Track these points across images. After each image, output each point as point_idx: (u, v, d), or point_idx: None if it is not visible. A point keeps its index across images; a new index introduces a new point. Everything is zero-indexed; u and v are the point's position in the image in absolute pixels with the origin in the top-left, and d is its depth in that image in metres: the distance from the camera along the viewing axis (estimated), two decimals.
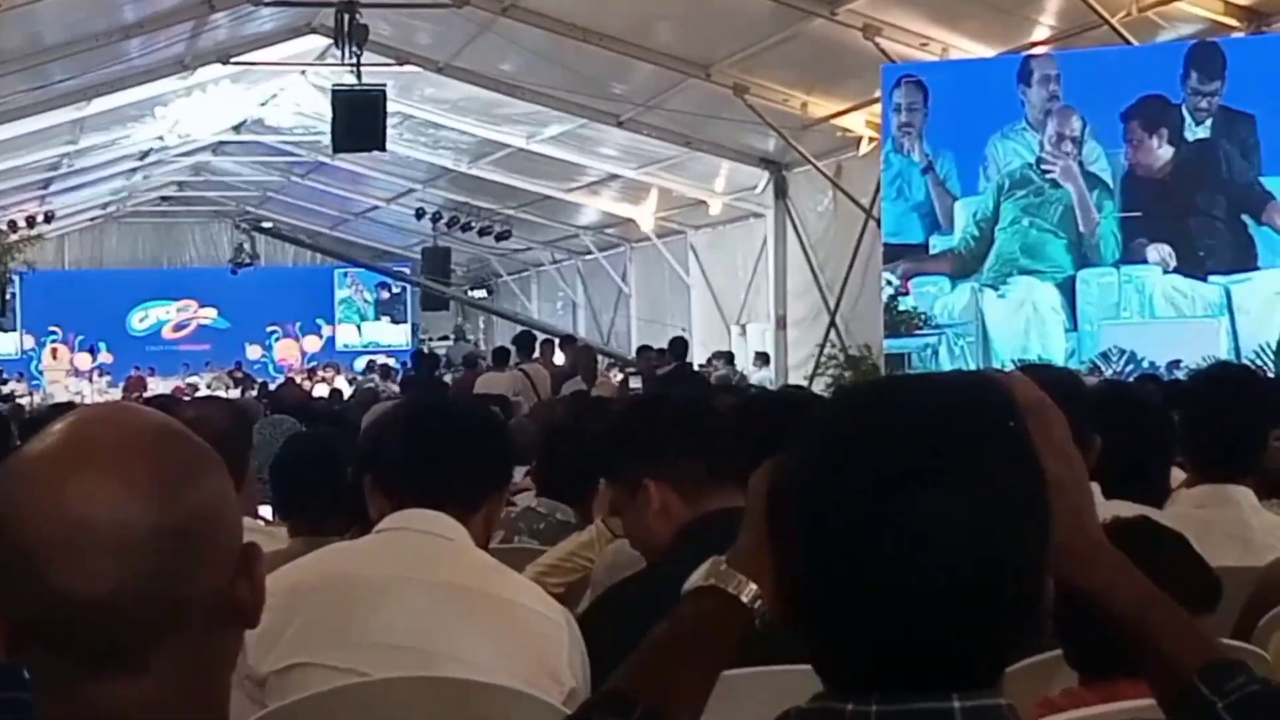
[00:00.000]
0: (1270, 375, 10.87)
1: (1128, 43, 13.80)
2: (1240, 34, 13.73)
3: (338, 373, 30.94)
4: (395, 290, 38.08)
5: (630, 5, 17.37)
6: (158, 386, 27.74)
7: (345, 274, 38.26)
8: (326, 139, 22.31)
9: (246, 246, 32.62)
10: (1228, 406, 4.62)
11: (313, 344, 37.97)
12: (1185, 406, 4.75)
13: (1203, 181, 13.95)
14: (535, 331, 21.01)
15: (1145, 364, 13.38)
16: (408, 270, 35.59)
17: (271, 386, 26.47)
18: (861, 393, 1.83)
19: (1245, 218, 13.62)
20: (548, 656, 3.13)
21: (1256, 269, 13.56)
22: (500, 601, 3.18)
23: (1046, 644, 2.90)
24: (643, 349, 21.44)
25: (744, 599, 1.85)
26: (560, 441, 6.32)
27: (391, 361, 31.01)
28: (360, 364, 33.09)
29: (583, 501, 5.78)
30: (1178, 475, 4.79)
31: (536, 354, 18.63)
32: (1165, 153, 14.04)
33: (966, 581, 1.57)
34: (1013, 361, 12.92)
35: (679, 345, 18.89)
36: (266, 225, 34.05)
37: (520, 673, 3.06)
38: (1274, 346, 12.70)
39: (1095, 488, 3.87)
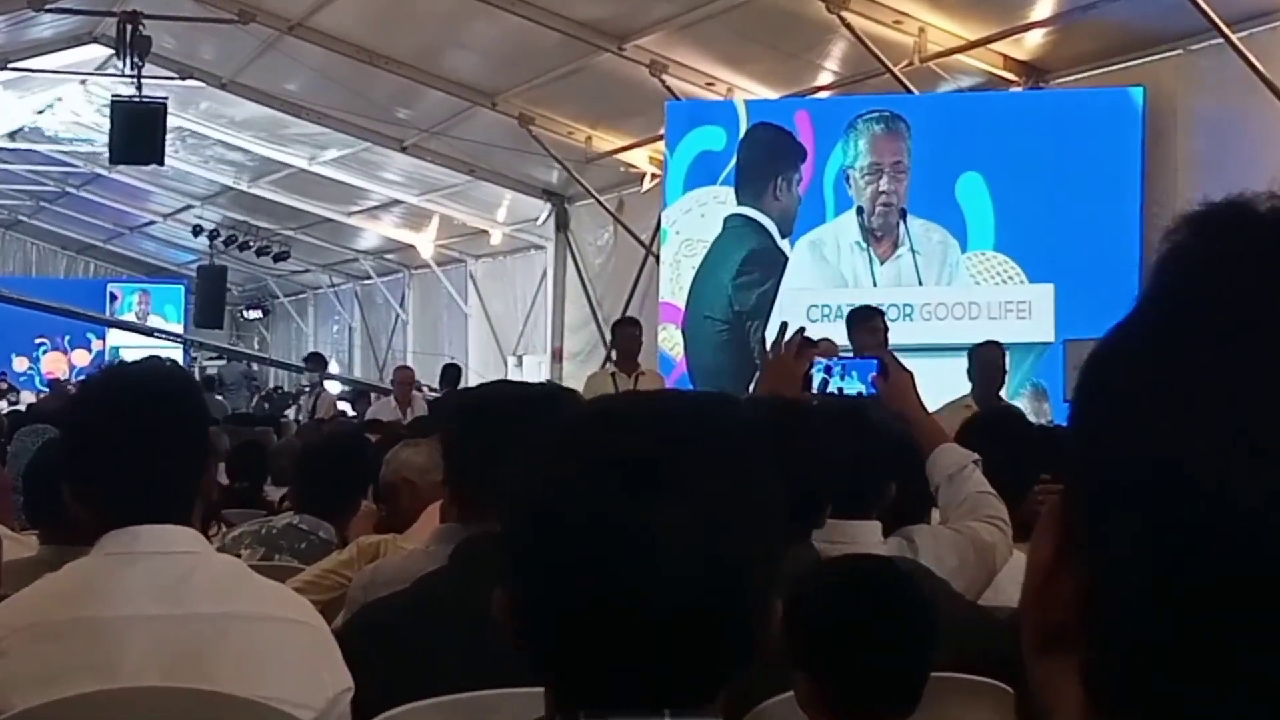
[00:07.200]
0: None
1: (909, 91, 14.02)
2: (1019, 88, 14.01)
3: None
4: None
5: (418, 31, 17.30)
6: None
7: (133, 292, 37.58)
8: (105, 150, 21.92)
9: None
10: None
11: (82, 358, 37.21)
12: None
13: None
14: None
15: None
16: (183, 285, 35.23)
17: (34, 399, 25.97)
18: (595, 404, 1.78)
19: None
20: (304, 666, 3.04)
21: None
22: (252, 621, 3.02)
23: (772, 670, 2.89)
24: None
25: None
26: (315, 459, 6.28)
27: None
28: None
29: (341, 518, 5.74)
30: None
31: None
32: None
33: (691, 594, 1.53)
34: None
35: (452, 372, 18.89)
36: None
37: (276, 690, 2.99)
38: None
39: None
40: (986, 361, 10.42)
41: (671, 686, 1.56)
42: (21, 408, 20.60)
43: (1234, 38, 11.32)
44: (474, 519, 3.45)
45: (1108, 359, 0.89)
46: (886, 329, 10.56)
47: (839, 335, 10.49)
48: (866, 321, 10.56)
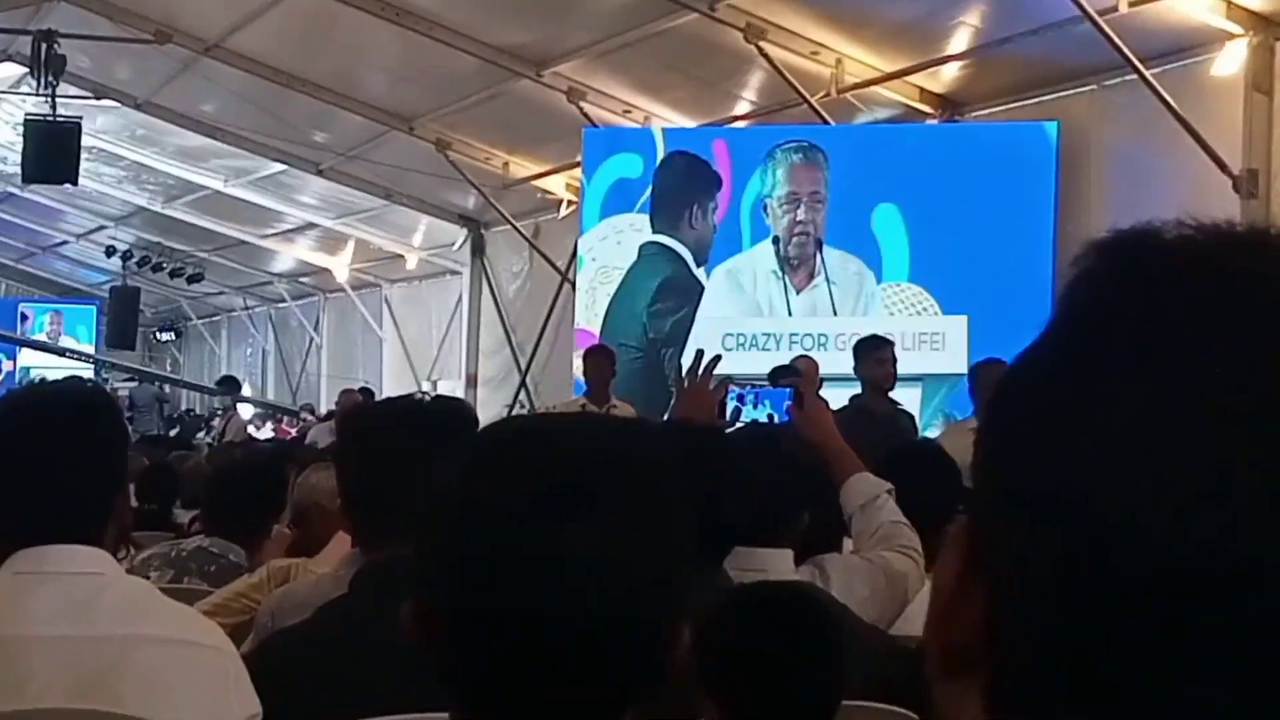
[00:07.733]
0: None
1: (825, 122, 14.07)
2: (934, 121, 14.08)
3: None
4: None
5: (335, 54, 17.24)
6: None
7: (45, 312, 37.27)
8: (17, 169, 21.71)
9: None
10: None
11: None
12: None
13: None
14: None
15: None
16: (95, 306, 34.94)
17: None
18: (514, 420, 1.79)
19: None
20: (211, 690, 3.01)
21: None
22: (159, 644, 2.98)
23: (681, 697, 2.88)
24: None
25: None
26: (226, 482, 6.24)
27: None
28: None
29: (253, 541, 5.70)
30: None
31: None
32: None
33: (603, 617, 1.52)
34: None
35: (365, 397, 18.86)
36: None
37: (182, 714, 2.96)
38: None
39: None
40: (990, 381, 10.20)
41: (576, 709, 1.55)
42: None
43: (1147, 74, 11.41)
44: (372, 541, 3.41)
45: (1019, 380, 0.89)
46: (895, 359, 10.46)
47: (751, 365, 10.48)
48: (875, 352, 10.36)
